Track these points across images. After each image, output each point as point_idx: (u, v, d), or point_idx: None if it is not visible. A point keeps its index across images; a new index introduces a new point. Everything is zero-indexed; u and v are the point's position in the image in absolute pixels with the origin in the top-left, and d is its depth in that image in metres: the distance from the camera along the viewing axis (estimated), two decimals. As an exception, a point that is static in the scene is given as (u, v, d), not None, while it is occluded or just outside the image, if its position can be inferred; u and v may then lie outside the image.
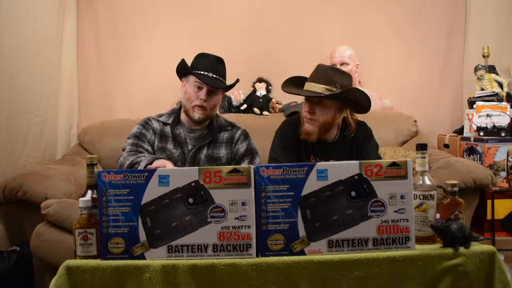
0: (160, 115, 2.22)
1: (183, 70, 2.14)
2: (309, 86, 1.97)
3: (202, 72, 2.07)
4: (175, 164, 2.08)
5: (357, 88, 1.98)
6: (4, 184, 2.35)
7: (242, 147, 2.18)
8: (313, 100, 1.97)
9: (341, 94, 1.93)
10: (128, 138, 2.14)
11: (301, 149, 2.06)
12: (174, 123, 2.17)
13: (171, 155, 2.12)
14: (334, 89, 1.93)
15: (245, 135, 2.22)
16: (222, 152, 2.16)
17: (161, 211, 1.37)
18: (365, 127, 2.11)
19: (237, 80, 2.20)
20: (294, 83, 2.06)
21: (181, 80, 2.19)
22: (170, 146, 2.15)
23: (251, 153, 2.19)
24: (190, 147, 2.14)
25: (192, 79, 2.10)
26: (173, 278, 1.34)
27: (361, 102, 1.99)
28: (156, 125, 2.18)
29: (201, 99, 2.08)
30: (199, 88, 2.08)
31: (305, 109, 2.00)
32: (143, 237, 1.38)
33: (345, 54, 3.11)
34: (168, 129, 2.17)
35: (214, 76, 2.09)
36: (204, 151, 2.13)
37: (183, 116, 2.19)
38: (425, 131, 3.10)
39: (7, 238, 2.54)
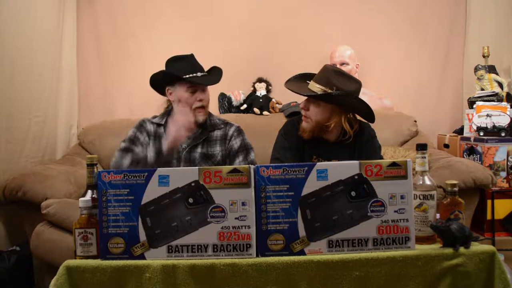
0: (154, 117, 2.25)
1: (169, 80, 2.13)
2: (311, 85, 1.98)
3: (191, 75, 2.09)
4: (170, 163, 2.12)
5: (351, 95, 1.93)
6: (4, 184, 2.36)
7: (236, 143, 2.19)
8: (309, 98, 1.99)
9: (323, 96, 1.92)
10: (123, 141, 2.17)
11: (304, 149, 2.06)
12: (167, 123, 2.19)
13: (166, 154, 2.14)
14: (329, 91, 1.92)
15: (239, 131, 2.23)
16: (217, 149, 2.17)
17: (161, 211, 1.37)
18: (368, 128, 2.10)
19: (221, 72, 2.20)
20: (303, 79, 2.07)
21: (160, 91, 2.20)
22: (164, 146, 2.16)
23: (245, 148, 2.20)
24: (184, 145, 2.16)
25: (182, 85, 2.10)
26: (173, 278, 1.34)
27: (356, 109, 1.99)
28: (150, 127, 2.21)
29: (200, 100, 2.11)
30: (194, 91, 2.11)
31: (301, 106, 2.03)
32: (143, 237, 1.38)
33: (345, 54, 3.10)
34: (161, 129, 2.19)
35: (202, 74, 2.12)
36: (199, 150, 2.16)
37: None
38: (425, 131, 3.10)
39: (7, 238, 2.55)
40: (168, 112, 2.25)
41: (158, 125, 2.21)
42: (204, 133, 2.18)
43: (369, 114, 1.99)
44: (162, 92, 2.22)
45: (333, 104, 1.95)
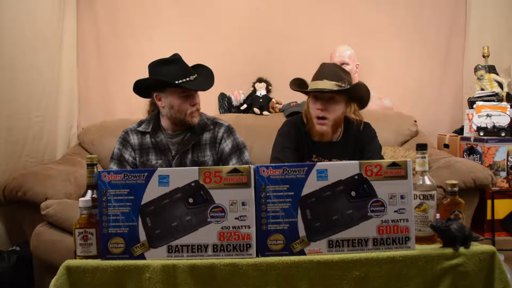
0: (141, 123, 2.17)
1: (159, 86, 2.01)
2: (319, 84, 1.95)
3: (185, 80, 1.98)
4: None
5: (362, 83, 2.02)
6: (4, 184, 2.35)
7: (227, 145, 2.11)
8: (325, 97, 1.96)
9: (353, 88, 1.96)
10: (112, 159, 2.12)
11: (304, 149, 2.06)
12: (154, 130, 2.11)
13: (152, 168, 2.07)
14: (343, 85, 1.94)
15: (229, 132, 2.14)
16: (207, 154, 2.10)
17: (161, 211, 1.37)
18: (369, 128, 2.11)
19: (211, 72, 2.13)
20: (298, 84, 2.07)
21: (144, 95, 2.11)
22: (152, 157, 2.11)
23: (238, 149, 2.12)
24: (173, 153, 2.09)
25: (174, 91, 2.00)
26: (173, 278, 1.34)
27: (366, 97, 2.03)
28: (134, 139, 2.13)
29: (194, 105, 2.04)
30: (187, 96, 2.01)
31: (317, 107, 1.98)
32: (143, 237, 1.38)
33: (345, 54, 3.11)
34: (147, 138, 2.12)
35: (194, 77, 2.02)
36: (189, 156, 2.08)
37: (164, 123, 2.12)
38: (425, 131, 3.10)
39: (7, 238, 2.55)
40: (154, 116, 2.14)
41: (144, 133, 2.13)
42: (193, 137, 2.09)
43: (369, 96, 2.05)
44: (145, 95, 2.12)
45: (346, 96, 1.99)
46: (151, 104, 2.21)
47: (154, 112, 2.17)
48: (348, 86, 1.95)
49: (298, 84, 2.07)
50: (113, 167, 2.10)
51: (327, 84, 1.94)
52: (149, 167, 2.08)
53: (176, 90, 2.00)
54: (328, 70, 1.98)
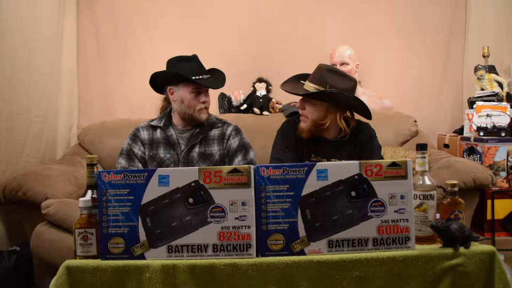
0: (152, 120, 2.26)
1: (175, 79, 2.12)
2: (306, 85, 2.00)
3: (199, 77, 2.10)
4: (167, 167, 2.13)
5: (343, 91, 1.91)
6: (4, 184, 2.35)
7: (234, 142, 2.20)
8: (304, 98, 2.00)
9: (316, 94, 1.92)
10: (121, 154, 2.19)
11: (303, 148, 2.06)
12: (165, 125, 2.20)
13: (161, 162, 2.15)
14: (323, 89, 1.93)
15: (237, 131, 2.24)
16: (214, 149, 2.18)
17: (161, 211, 1.37)
18: (368, 128, 2.10)
19: (224, 75, 2.23)
20: (299, 79, 2.08)
21: (158, 89, 2.21)
22: (161, 151, 2.18)
23: (244, 147, 2.21)
24: (183, 147, 2.17)
25: (186, 86, 2.11)
26: (173, 278, 1.34)
27: (349, 106, 1.98)
28: (144, 135, 2.21)
29: (203, 102, 2.13)
30: (198, 92, 2.12)
31: (297, 105, 2.05)
32: (143, 237, 1.38)
33: (345, 54, 3.10)
34: (158, 133, 2.20)
35: (208, 76, 2.14)
36: (197, 149, 2.16)
37: (175, 119, 2.21)
38: (425, 131, 3.10)
39: (7, 238, 2.54)
40: (166, 114, 2.24)
41: (155, 128, 2.21)
42: (201, 132, 2.18)
43: (364, 110, 1.99)
44: (160, 90, 2.22)
45: (327, 102, 1.96)
46: (164, 100, 2.30)
47: (167, 110, 2.26)
48: (316, 91, 1.92)
49: (295, 81, 2.08)
50: (122, 161, 2.16)
51: (309, 87, 1.96)
52: (158, 161, 2.16)
53: (189, 85, 2.11)
54: (317, 73, 1.99)
